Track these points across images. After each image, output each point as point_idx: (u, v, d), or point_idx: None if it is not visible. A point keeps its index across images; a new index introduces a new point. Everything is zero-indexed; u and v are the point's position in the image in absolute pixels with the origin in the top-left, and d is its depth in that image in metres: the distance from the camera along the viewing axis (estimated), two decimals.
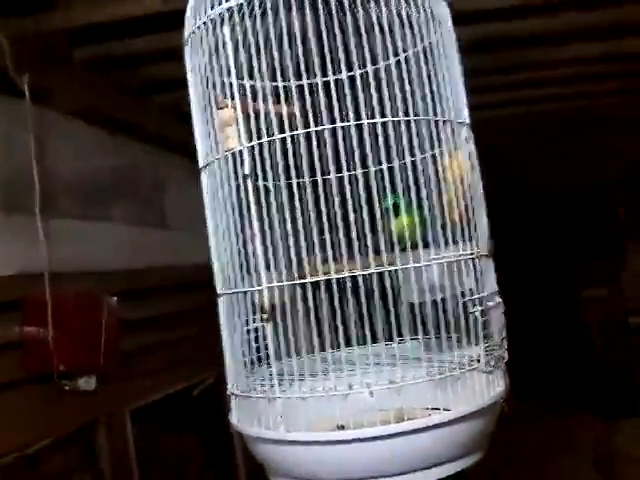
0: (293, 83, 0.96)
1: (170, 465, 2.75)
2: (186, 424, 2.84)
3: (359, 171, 0.99)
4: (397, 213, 0.89)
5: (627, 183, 4.65)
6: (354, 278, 0.91)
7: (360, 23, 0.96)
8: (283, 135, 0.80)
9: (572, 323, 5.03)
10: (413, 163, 0.92)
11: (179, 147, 2.65)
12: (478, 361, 0.83)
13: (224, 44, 0.84)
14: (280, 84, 0.94)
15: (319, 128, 0.79)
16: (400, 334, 0.98)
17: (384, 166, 0.96)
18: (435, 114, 0.84)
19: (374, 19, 0.96)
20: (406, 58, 0.94)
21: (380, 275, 0.97)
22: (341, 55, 0.98)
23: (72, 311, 1.81)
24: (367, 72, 1.03)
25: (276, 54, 0.88)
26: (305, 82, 0.95)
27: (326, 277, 0.80)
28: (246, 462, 3.00)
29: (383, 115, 0.83)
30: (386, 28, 0.94)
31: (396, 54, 1.01)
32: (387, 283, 0.90)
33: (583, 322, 4.97)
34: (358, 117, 0.84)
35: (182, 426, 2.82)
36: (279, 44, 0.90)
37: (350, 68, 1.05)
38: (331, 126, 0.79)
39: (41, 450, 1.87)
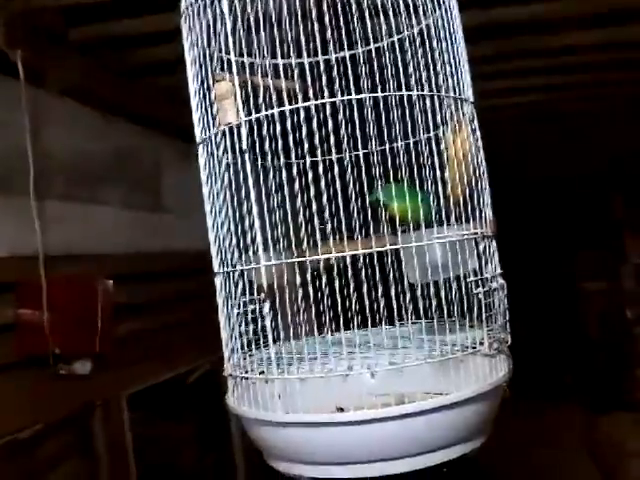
0: (293, 61, 0.94)
1: (167, 452, 2.74)
2: (183, 411, 2.83)
3: (360, 152, 0.97)
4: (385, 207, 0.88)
5: (627, 172, 4.62)
6: (355, 259, 0.89)
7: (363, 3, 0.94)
8: (282, 108, 0.77)
9: (571, 314, 5.03)
10: (415, 143, 0.90)
11: (175, 131, 2.62)
12: (481, 344, 0.82)
13: (222, 17, 0.81)
14: (280, 61, 0.92)
15: (320, 101, 0.77)
16: (402, 317, 0.96)
17: (386, 147, 0.95)
18: (437, 90, 0.82)
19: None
20: (404, 38, 0.92)
21: (381, 256, 0.95)
22: (343, 33, 0.96)
23: (67, 294, 1.79)
24: (369, 50, 1.00)
25: (276, 31, 0.85)
26: (306, 60, 0.92)
27: (325, 256, 0.77)
28: (244, 449, 2.99)
29: (384, 91, 0.81)
30: (389, 7, 0.92)
31: (399, 32, 0.98)
32: (388, 264, 0.88)
33: (582, 313, 4.98)
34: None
35: (179, 413, 2.81)
36: (278, 21, 0.87)
37: (351, 46, 1.03)
38: (332, 99, 0.77)
39: (35, 434, 1.86)
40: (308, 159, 0.86)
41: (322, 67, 0.91)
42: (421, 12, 0.91)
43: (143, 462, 2.38)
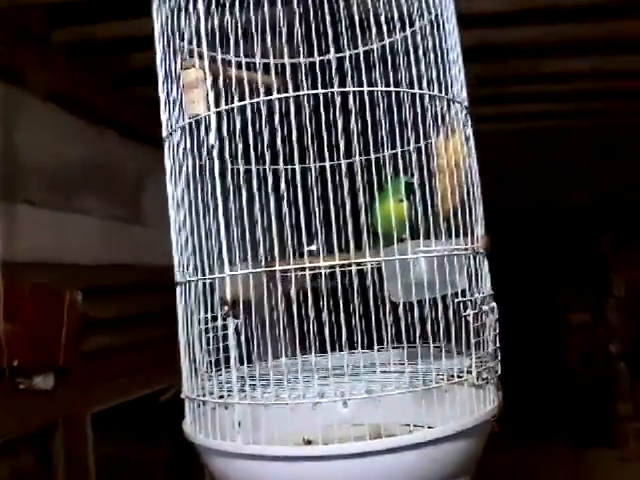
0: (273, 61, 0.87)
1: (136, 475, 2.61)
2: (152, 433, 2.70)
3: (343, 161, 0.89)
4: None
5: (613, 208, 4.59)
6: (332, 275, 0.81)
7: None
8: (256, 100, 0.69)
9: (555, 347, 4.97)
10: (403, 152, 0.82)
11: (159, 143, 2.53)
12: (468, 372, 0.73)
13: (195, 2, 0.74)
14: (258, 60, 0.84)
15: (297, 93, 0.69)
16: (382, 340, 0.88)
17: (371, 156, 0.87)
18: (422, 88, 0.74)
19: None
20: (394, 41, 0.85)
21: (362, 272, 0.87)
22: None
23: (29, 303, 1.68)
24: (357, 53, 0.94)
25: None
26: (287, 61, 0.85)
27: (296, 266, 0.69)
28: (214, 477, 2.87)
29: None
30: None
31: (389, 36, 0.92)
32: (369, 280, 0.79)
33: (566, 347, 4.92)
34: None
35: (147, 435, 2.68)
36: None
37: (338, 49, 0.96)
38: (312, 92, 0.69)
39: None
40: (281, 165, 0.79)
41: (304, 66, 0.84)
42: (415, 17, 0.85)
43: None
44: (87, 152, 2.23)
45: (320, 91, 0.68)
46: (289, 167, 0.83)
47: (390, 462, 0.65)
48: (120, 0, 1.82)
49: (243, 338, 0.76)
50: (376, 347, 0.92)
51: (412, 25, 0.88)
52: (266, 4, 0.78)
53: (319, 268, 0.74)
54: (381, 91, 0.71)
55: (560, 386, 4.81)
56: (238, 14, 0.79)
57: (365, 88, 0.71)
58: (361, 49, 0.94)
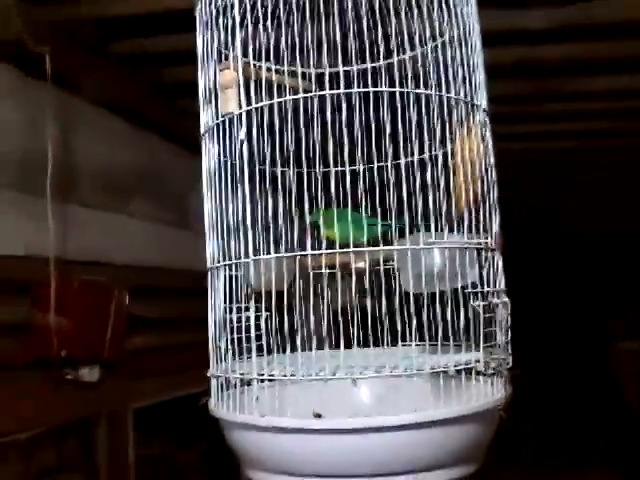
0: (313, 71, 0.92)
1: (171, 474, 2.68)
2: (192, 434, 2.78)
3: (360, 167, 0.93)
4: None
5: None
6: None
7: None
8: (284, 99, 0.75)
9: (604, 375, 4.84)
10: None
11: None
12: (477, 362, 0.76)
13: (232, 7, 0.80)
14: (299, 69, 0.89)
15: (320, 93, 0.74)
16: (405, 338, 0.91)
17: (388, 163, 0.90)
18: (447, 92, 0.78)
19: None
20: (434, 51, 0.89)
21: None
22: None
23: (78, 298, 1.78)
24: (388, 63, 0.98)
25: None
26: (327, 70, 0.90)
27: (315, 252, 0.74)
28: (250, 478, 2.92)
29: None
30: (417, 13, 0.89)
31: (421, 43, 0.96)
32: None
33: (617, 375, 4.78)
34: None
35: (188, 436, 2.75)
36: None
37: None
38: (335, 92, 0.74)
39: (36, 438, 1.83)
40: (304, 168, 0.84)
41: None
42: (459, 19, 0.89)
43: None
44: (137, 157, 2.34)
45: (339, 91, 0.73)
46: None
47: (393, 440, 0.69)
48: (171, 16, 1.92)
49: (267, 327, 0.81)
50: (400, 343, 0.95)
51: (442, 35, 0.92)
52: (296, 21, 0.84)
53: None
54: (401, 93, 0.75)
55: (611, 414, 4.68)
56: (270, 27, 0.85)
57: (387, 89, 0.75)
58: (395, 58, 0.99)
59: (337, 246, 0.76)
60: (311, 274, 0.90)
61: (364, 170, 0.92)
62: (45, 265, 1.71)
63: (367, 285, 0.93)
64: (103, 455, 2.14)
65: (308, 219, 0.74)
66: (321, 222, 0.82)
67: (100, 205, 2.11)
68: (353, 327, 0.91)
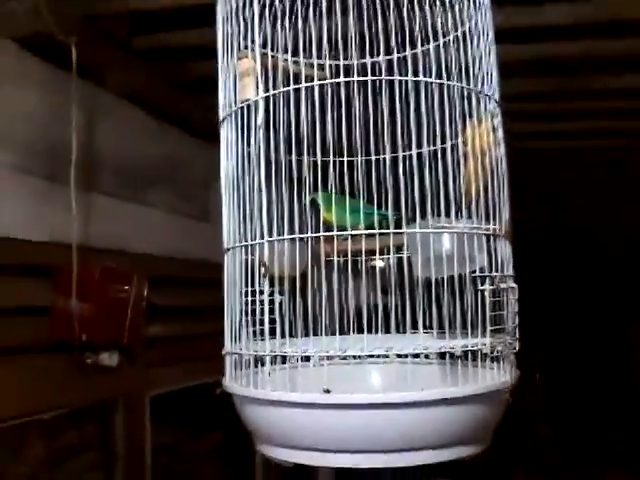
0: (327, 62, 0.95)
1: (186, 462, 2.72)
2: (207, 423, 2.82)
3: (385, 155, 0.95)
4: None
5: None
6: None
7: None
8: (301, 85, 0.78)
9: (624, 380, 4.81)
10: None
11: None
12: (484, 345, 0.78)
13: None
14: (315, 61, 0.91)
15: (334, 80, 0.77)
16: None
17: (413, 151, 0.93)
18: (460, 82, 0.80)
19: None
20: (444, 43, 0.91)
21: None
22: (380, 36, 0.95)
23: (99, 284, 1.83)
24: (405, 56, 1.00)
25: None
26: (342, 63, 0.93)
27: (328, 234, 0.77)
28: (264, 469, 2.96)
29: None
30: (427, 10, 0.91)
31: (435, 38, 0.97)
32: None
33: (636, 380, 4.75)
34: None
35: (203, 424, 2.80)
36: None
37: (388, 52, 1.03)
38: (353, 79, 0.77)
39: (57, 419, 1.89)
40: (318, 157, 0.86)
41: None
42: (464, 15, 0.91)
43: (160, 468, 2.37)
44: (159, 149, 2.39)
45: (346, 79, 0.75)
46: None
47: (400, 417, 0.72)
48: (196, 10, 1.95)
49: (281, 311, 0.84)
50: (409, 329, 0.97)
51: (460, 27, 0.94)
52: (311, 15, 0.86)
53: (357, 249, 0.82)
54: (418, 81, 0.77)
55: (629, 418, 4.65)
56: (288, 23, 0.87)
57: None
58: (409, 52, 1.01)
59: (348, 229, 0.79)
60: (323, 261, 0.92)
61: (377, 160, 0.94)
62: (68, 251, 1.76)
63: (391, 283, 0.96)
64: (120, 440, 2.19)
65: (308, 198, 0.77)
66: (320, 202, 0.85)
67: (122, 195, 2.16)
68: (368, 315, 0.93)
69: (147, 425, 2.29)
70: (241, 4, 0.85)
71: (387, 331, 0.98)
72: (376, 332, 0.97)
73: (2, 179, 1.67)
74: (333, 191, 0.93)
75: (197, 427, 2.77)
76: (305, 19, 0.85)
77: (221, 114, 0.89)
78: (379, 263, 0.97)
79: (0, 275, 1.64)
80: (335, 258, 0.95)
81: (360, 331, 0.90)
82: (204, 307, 2.57)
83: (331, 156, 0.90)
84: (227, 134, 0.88)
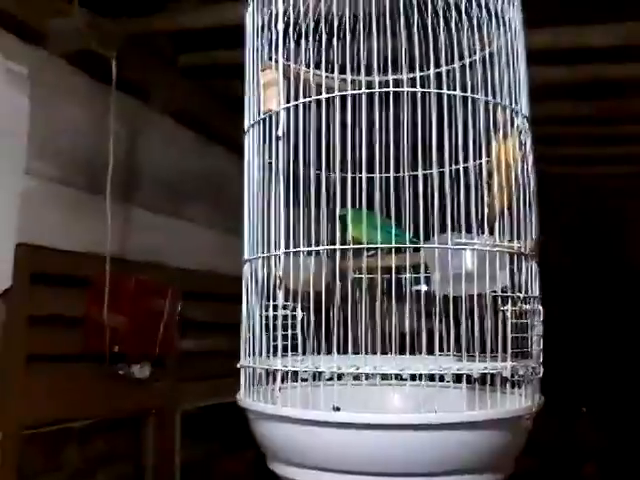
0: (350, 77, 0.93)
1: (216, 479, 2.71)
2: (237, 441, 2.80)
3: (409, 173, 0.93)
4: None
5: None
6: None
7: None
8: (322, 97, 0.77)
9: None
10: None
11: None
12: (504, 369, 0.75)
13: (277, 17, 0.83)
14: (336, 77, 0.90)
15: (355, 92, 0.76)
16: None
17: (435, 170, 0.90)
18: (486, 95, 0.78)
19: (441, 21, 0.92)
20: (470, 63, 0.89)
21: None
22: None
23: (133, 297, 1.85)
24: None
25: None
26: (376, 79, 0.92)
27: (345, 247, 0.75)
28: None
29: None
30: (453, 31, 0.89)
31: (461, 57, 0.95)
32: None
33: None
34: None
35: (233, 442, 2.78)
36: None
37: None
38: (368, 90, 0.76)
39: (87, 428, 1.90)
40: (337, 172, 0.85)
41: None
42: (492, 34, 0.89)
43: None
44: (199, 165, 2.42)
45: (373, 90, 0.74)
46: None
47: (413, 439, 0.69)
48: (236, 29, 1.98)
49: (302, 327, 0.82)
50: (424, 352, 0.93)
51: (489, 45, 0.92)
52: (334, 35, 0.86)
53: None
54: (442, 94, 0.76)
55: None
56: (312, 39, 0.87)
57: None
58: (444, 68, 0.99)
59: (365, 243, 0.77)
60: (349, 278, 0.90)
61: (402, 177, 0.92)
62: (103, 263, 1.79)
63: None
64: (150, 454, 2.19)
65: (338, 213, 0.75)
66: (349, 219, 0.83)
67: (160, 208, 2.19)
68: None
69: (177, 439, 2.29)
70: (267, 20, 0.86)
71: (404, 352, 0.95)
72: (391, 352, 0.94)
73: (42, 190, 1.72)
74: (364, 207, 0.91)
75: (229, 444, 2.76)
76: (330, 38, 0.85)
77: (246, 125, 0.89)
78: (423, 287, 0.94)
79: (36, 284, 1.68)
80: (356, 274, 0.93)
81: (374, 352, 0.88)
82: (238, 323, 2.58)
83: (365, 172, 0.88)
84: (250, 145, 0.87)
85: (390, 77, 0.85)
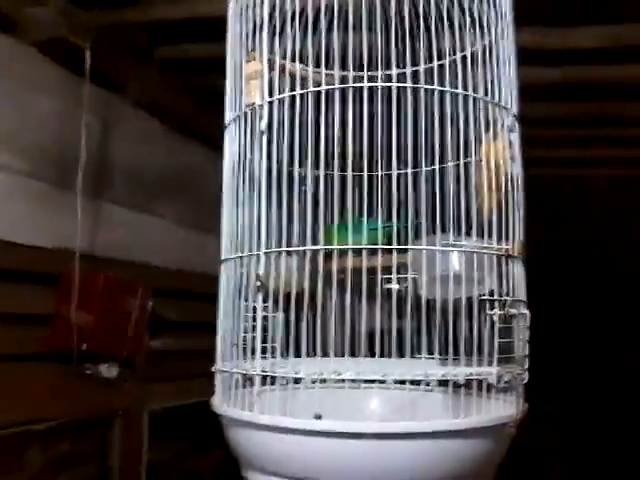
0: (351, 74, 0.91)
1: (184, 479, 2.66)
2: (205, 440, 2.75)
3: (404, 171, 0.91)
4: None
5: None
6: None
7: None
8: (305, 91, 0.74)
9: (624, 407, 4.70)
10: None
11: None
12: (489, 375, 0.73)
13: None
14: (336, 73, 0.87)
15: (341, 86, 0.73)
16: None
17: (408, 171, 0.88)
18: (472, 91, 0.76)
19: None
20: (465, 57, 0.87)
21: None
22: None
23: (102, 294, 1.79)
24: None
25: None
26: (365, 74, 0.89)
27: (326, 247, 0.72)
28: None
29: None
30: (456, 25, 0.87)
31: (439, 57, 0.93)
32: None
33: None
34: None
35: (201, 442, 2.73)
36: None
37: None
38: (358, 85, 0.73)
39: (51, 430, 1.84)
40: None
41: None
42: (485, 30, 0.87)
43: None
44: (171, 159, 2.36)
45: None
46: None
47: (391, 448, 0.66)
48: (214, 23, 1.94)
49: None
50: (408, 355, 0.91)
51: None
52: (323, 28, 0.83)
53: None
54: (426, 90, 0.73)
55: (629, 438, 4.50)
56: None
57: (424, 85, 0.73)
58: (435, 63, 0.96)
59: (349, 243, 0.74)
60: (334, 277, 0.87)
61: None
62: (72, 259, 1.73)
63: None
64: (117, 455, 2.13)
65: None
66: (335, 232, 0.80)
67: (131, 204, 2.13)
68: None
69: (145, 440, 2.23)
70: (251, 3, 0.82)
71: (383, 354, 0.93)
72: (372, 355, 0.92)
73: (8, 183, 1.65)
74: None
75: (198, 444, 2.71)
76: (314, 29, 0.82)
77: (226, 119, 0.85)
78: (396, 286, 0.92)
79: (0, 280, 1.61)
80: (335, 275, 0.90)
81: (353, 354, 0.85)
82: (207, 322, 2.53)
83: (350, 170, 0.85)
84: (230, 140, 0.84)
85: (365, 73, 0.82)
